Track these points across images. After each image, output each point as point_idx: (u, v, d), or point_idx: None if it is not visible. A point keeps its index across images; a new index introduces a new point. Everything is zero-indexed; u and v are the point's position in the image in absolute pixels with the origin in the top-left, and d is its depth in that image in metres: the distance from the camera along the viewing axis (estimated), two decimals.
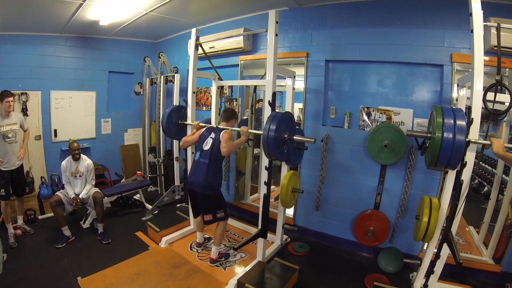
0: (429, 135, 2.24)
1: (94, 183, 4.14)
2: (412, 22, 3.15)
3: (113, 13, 4.08)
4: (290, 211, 3.93)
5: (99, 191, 4.06)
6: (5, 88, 3.88)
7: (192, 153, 3.64)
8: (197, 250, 3.58)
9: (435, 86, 3.14)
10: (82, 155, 4.16)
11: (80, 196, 3.89)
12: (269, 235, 3.18)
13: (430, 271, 2.54)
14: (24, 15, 4.07)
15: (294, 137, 2.74)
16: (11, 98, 3.79)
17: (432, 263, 2.52)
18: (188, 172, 3.32)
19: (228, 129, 3.22)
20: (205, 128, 3.40)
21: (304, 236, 3.89)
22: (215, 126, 3.38)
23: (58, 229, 3.78)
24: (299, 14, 3.77)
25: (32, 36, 4.85)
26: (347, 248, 3.65)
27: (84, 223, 4.22)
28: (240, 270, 3.15)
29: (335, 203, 3.67)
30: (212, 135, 3.25)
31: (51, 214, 4.32)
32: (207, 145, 3.20)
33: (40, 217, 4.48)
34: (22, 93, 4.76)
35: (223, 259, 3.39)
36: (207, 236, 3.79)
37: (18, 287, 2.98)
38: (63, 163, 4.08)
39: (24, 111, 4.76)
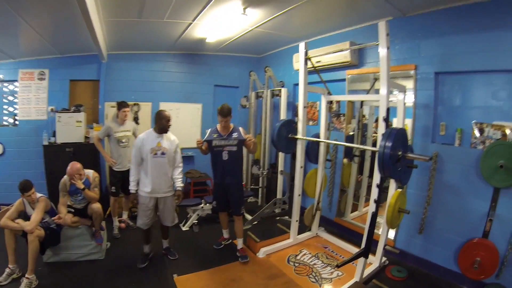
0: None
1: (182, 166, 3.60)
2: None
3: (220, 30, 4.34)
4: (391, 232, 3.69)
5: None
6: (120, 99, 4.41)
7: (301, 167, 3.70)
8: (294, 264, 3.57)
9: None
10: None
11: (179, 188, 3.49)
12: None
13: None
14: (137, 36, 4.63)
15: (408, 155, 2.60)
16: (128, 109, 4.30)
17: None
18: None
19: None
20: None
21: (403, 260, 3.62)
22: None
23: (157, 227, 3.70)
24: (404, 24, 3.61)
25: (144, 54, 5.51)
26: (448, 278, 3.28)
27: (184, 225, 4.52)
28: None
29: (440, 227, 3.35)
30: None
31: None
32: None
33: None
34: (134, 104, 5.40)
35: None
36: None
37: (118, 273, 3.32)
38: (140, 136, 3.43)
39: (136, 120, 5.36)
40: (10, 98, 5.15)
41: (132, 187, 3.39)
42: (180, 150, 3.60)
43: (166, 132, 3.45)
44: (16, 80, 5.04)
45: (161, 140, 3.39)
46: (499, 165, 2.81)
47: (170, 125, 3.46)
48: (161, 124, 3.38)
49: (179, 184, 3.50)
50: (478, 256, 2.92)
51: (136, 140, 3.45)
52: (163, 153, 3.36)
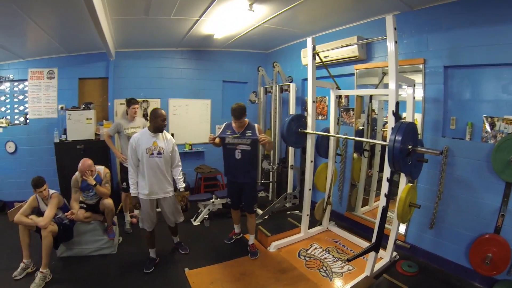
0: None
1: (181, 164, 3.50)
2: None
3: (227, 26, 4.34)
4: (401, 227, 3.69)
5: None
6: (129, 96, 4.45)
7: (311, 161, 3.70)
8: (304, 258, 3.59)
9: None
10: None
11: (181, 188, 3.44)
12: None
13: None
14: (145, 34, 4.64)
15: (418, 149, 2.58)
16: (137, 106, 4.32)
17: None
18: None
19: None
20: None
21: (414, 255, 3.61)
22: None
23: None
24: (411, 18, 3.56)
25: (152, 51, 5.52)
26: (459, 274, 3.25)
27: (195, 220, 4.56)
28: (346, 283, 3.05)
29: (451, 222, 3.32)
30: None
31: None
32: None
33: None
34: (143, 101, 5.44)
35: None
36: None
37: (130, 267, 3.37)
38: (135, 135, 3.28)
39: (145, 116, 5.39)
40: (21, 97, 5.22)
41: (132, 190, 3.24)
42: (177, 148, 3.46)
43: (161, 132, 3.30)
44: (25, 80, 5.11)
45: (157, 139, 3.23)
46: (511, 160, 2.77)
47: (165, 124, 3.29)
48: (156, 123, 3.20)
49: (181, 185, 3.41)
50: (489, 252, 2.89)
51: (131, 140, 3.25)
52: (159, 153, 3.21)
